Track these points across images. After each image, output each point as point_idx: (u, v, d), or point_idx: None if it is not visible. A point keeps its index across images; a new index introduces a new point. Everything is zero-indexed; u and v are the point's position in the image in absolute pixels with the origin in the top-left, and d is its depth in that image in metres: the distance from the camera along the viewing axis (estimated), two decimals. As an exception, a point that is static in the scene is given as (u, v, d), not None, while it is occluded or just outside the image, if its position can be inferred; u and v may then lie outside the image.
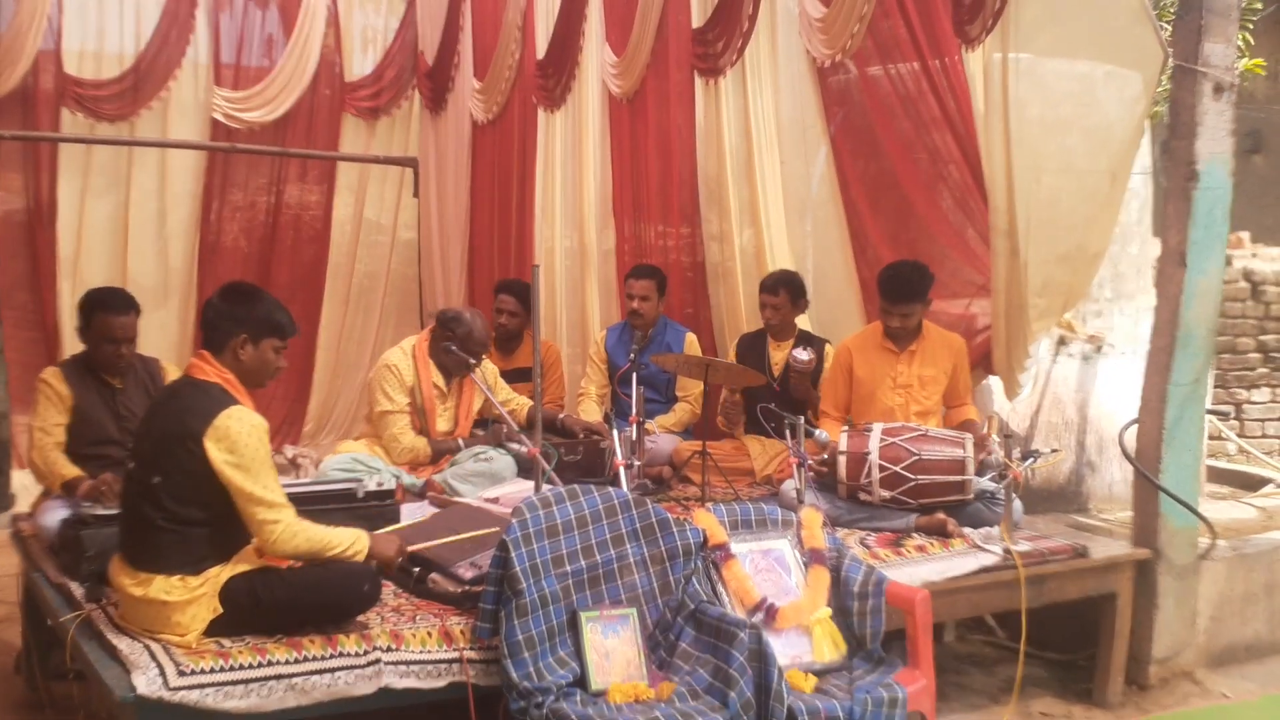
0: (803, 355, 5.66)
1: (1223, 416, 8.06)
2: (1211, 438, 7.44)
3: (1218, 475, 7.30)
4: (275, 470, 3.55)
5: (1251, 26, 7.44)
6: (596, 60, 7.42)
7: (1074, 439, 5.88)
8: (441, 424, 5.75)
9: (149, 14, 8.44)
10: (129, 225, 8.47)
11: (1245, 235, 9.55)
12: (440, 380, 5.75)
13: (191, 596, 3.43)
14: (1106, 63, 5.08)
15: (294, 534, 3.47)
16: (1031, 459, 4.87)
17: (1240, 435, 8.64)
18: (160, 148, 8.55)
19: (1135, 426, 5.12)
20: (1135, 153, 5.31)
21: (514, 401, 5.98)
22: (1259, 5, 7.70)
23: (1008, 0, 4.99)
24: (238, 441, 3.43)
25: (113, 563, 3.60)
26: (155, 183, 8.57)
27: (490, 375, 5.93)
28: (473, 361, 5.54)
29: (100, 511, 4.05)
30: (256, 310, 3.68)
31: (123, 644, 3.40)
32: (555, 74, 7.71)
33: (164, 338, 8.20)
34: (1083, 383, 5.91)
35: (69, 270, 8.27)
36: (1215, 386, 8.55)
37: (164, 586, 3.42)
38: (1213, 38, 4.82)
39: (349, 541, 3.57)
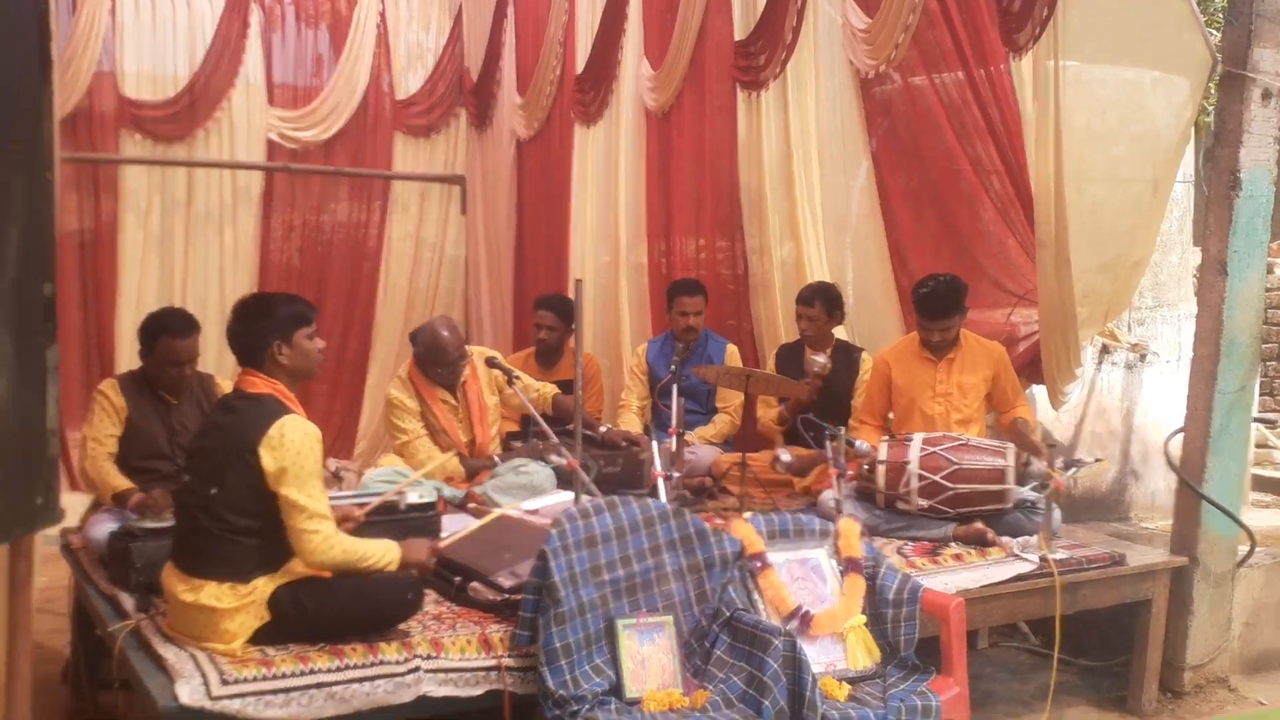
0: (819, 359, 5.64)
1: (1270, 425, 7.94)
2: (1258, 445, 7.34)
3: (1263, 484, 7.21)
4: (322, 481, 3.60)
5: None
6: (633, 74, 7.46)
7: (1118, 448, 5.84)
8: (461, 435, 5.74)
9: (202, 34, 8.57)
10: (189, 247, 8.61)
11: (1285, 244, 9.40)
12: (447, 394, 5.75)
13: (241, 604, 3.49)
14: (1154, 69, 5.03)
15: (331, 545, 3.52)
16: (1075, 468, 4.85)
17: (1288, 443, 8.49)
18: (218, 169, 8.70)
19: (1180, 435, 5.07)
20: (1180, 161, 5.27)
21: (533, 389, 5.84)
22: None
23: (1056, 7, 4.93)
24: (290, 449, 3.48)
25: (165, 569, 3.66)
26: (215, 204, 8.70)
27: (498, 378, 5.84)
28: (451, 369, 5.53)
29: (149, 525, 4.09)
30: (276, 313, 3.69)
31: (169, 653, 3.45)
32: (593, 88, 7.77)
33: (223, 359, 8.25)
34: (1127, 391, 5.87)
35: (129, 290, 8.39)
36: (1262, 394, 8.45)
37: (215, 593, 3.48)
38: (1263, 42, 4.79)
39: (382, 553, 3.62)
